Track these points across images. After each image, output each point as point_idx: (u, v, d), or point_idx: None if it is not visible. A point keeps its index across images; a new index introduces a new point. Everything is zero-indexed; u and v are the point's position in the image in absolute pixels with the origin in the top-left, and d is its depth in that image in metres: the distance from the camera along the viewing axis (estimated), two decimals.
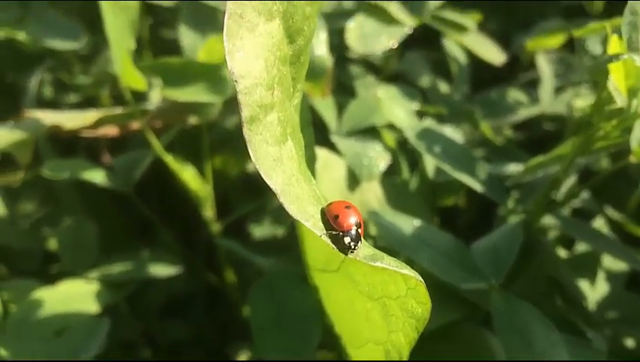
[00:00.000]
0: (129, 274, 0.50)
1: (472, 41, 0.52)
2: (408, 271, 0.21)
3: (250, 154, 0.19)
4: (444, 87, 0.60)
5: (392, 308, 0.23)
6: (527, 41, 0.61)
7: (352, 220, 0.21)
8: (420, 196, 0.45)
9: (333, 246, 0.21)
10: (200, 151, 0.50)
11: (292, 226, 0.53)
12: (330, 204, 0.21)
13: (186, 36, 0.49)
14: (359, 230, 0.21)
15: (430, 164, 0.46)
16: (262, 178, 0.54)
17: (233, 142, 0.57)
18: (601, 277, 0.45)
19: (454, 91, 0.57)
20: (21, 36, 0.55)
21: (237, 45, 0.19)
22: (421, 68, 0.60)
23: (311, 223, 0.19)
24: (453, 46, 0.57)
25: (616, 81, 0.32)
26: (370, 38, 0.48)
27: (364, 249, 0.21)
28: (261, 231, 0.54)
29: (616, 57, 0.29)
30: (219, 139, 0.56)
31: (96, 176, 0.48)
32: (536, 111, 0.58)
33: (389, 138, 0.47)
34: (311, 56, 0.44)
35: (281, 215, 0.55)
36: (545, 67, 0.61)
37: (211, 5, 0.49)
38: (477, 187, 0.42)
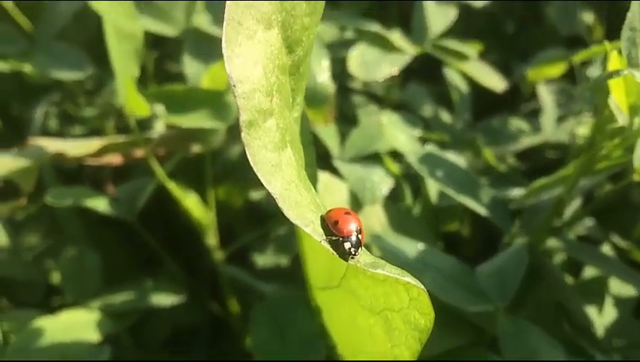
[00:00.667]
0: (131, 303, 0.50)
1: (473, 69, 0.53)
2: (410, 279, 0.21)
3: (249, 158, 0.19)
4: (446, 116, 0.60)
5: (394, 321, 0.23)
6: (528, 71, 0.62)
7: (352, 226, 0.21)
8: (423, 221, 0.45)
9: (334, 251, 0.20)
10: (203, 180, 0.50)
11: (295, 255, 0.53)
12: (330, 210, 0.21)
13: (190, 65, 0.49)
14: (359, 236, 0.21)
15: (433, 188, 0.46)
16: (265, 206, 0.54)
17: (236, 173, 0.57)
18: (608, 302, 0.45)
19: (456, 119, 0.57)
20: (27, 68, 0.55)
21: (235, 52, 0.19)
22: (423, 98, 0.61)
23: (310, 229, 0.19)
24: (454, 75, 0.57)
25: (617, 99, 0.32)
26: (372, 65, 0.49)
27: (365, 256, 0.21)
28: (264, 259, 0.54)
29: (616, 73, 0.29)
30: (222, 169, 0.57)
31: (100, 204, 0.48)
32: (538, 139, 0.58)
33: (392, 165, 0.47)
34: (313, 83, 0.45)
35: (284, 244, 0.55)
36: (546, 96, 0.62)
37: (215, 35, 0.50)
38: (481, 210, 0.42)
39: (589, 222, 0.50)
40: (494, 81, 0.53)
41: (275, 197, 0.18)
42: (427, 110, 0.60)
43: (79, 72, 0.52)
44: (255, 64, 0.19)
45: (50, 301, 0.57)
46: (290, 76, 0.22)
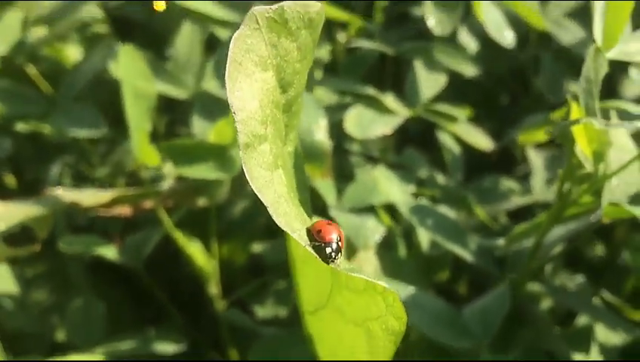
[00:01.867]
0: (134, 351, 0.52)
1: (463, 130, 0.56)
2: (384, 283, 0.23)
3: (246, 174, 0.22)
4: (440, 178, 0.63)
5: (374, 329, 0.25)
6: (519, 136, 0.65)
7: (333, 235, 0.24)
8: (416, 269, 0.48)
9: (317, 255, 0.23)
10: (207, 232, 0.53)
11: (293, 306, 0.55)
12: (315, 222, 0.24)
13: (198, 124, 0.53)
14: (339, 243, 0.24)
15: (424, 238, 0.48)
16: (266, 260, 0.56)
17: (240, 230, 0.60)
18: (594, 350, 0.46)
19: (449, 179, 0.60)
20: (46, 129, 0.60)
21: (236, 86, 0.22)
22: (417, 160, 0.64)
23: (297, 235, 0.22)
24: (446, 137, 0.61)
25: (582, 146, 0.35)
26: (367, 125, 0.52)
27: (344, 263, 0.24)
28: (264, 311, 0.56)
29: (576, 122, 0.33)
30: (226, 226, 0.59)
31: (108, 252, 0.51)
32: (529, 199, 0.61)
33: (386, 217, 0.50)
34: (311, 140, 0.48)
35: (283, 296, 0.57)
36: (536, 160, 0.65)
37: (222, 98, 0.54)
38: (468, 257, 0.44)
39: (579, 279, 0.53)
40: (483, 142, 0.56)
41: (267, 206, 0.21)
42: (422, 172, 0.63)
43: (95, 130, 0.56)
44: (252, 98, 0.23)
45: (55, 355, 0.58)
46: (284, 113, 0.25)
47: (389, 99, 0.55)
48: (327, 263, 0.23)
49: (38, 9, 0.62)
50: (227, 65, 0.22)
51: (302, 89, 0.26)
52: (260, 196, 0.21)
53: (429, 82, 0.58)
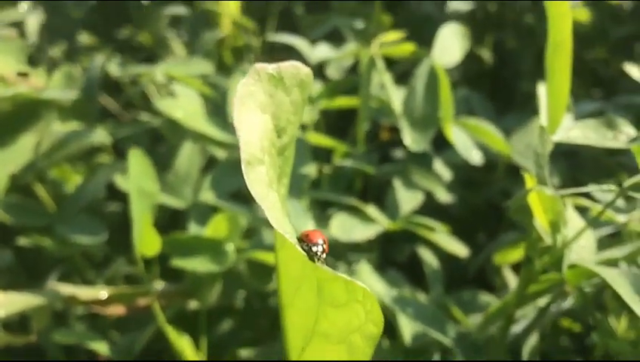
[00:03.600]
0: None
1: (439, 239, 0.60)
2: (362, 285, 0.26)
3: (247, 185, 0.26)
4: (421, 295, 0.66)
5: (355, 340, 0.28)
6: (495, 256, 0.69)
7: (318, 238, 0.27)
8: (398, 357, 0.49)
9: (305, 254, 0.26)
10: (197, 332, 0.55)
11: None
12: (303, 231, 0.28)
13: (194, 228, 0.57)
14: (324, 246, 0.27)
15: (406, 327, 0.51)
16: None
17: (229, 337, 0.61)
18: None
19: (430, 291, 0.64)
20: (47, 243, 0.63)
21: (240, 119, 0.27)
22: (399, 280, 0.68)
23: (288, 236, 0.25)
24: (426, 253, 0.65)
25: (539, 217, 0.39)
26: (351, 229, 0.57)
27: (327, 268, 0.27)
28: None
29: (529, 191, 0.37)
30: (217, 336, 0.61)
31: (101, 347, 0.52)
32: None
33: None
34: None
35: None
36: (510, 277, 0.69)
37: (219, 206, 0.59)
38: (447, 342, 0.46)
39: None
40: (458, 249, 0.60)
41: (264, 209, 0.25)
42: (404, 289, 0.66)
43: (96, 236, 0.59)
44: (254, 128, 0.27)
45: None
46: (278, 155, 0.30)
47: (371, 210, 0.60)
48: (314, 261, 0.26)
49: (52, 136, 0.68)
50: (235, 101, 0.27)
51: (293, 139, 0.31)
52: (258, 201, 0.25)
53: (407, 198, 0.63)
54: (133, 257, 0.71)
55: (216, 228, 0.52)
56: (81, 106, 0.72)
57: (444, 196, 0.69)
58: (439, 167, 0.71)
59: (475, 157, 0.62)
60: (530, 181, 0.38)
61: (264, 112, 0.29)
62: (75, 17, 0.91)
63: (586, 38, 0.91)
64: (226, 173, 0.61)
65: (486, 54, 0.98)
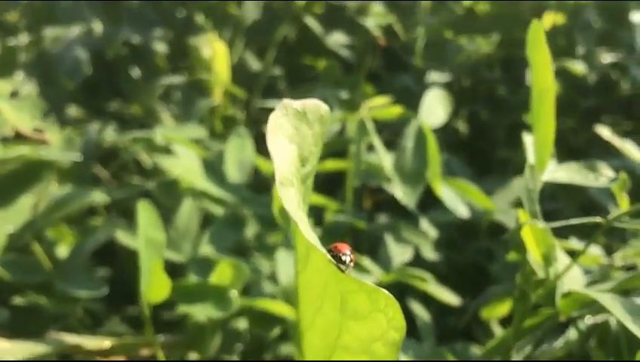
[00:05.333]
0: None
1: (432, 289, 0.63)
2: (385, 292, 0.28)
3: (282, 203, 0.28)
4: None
5: (377, 349, 0.29)
6: (482, 310, 0.72)
7: (346, 249, 0.30)
8: None
9: (334, 262, 0.29)
10: None
11: None
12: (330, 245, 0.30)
13: (193, 279, 0.59)
14: (352, 255, 0.30)
15: None
16: None
17: None
18: None
19: (422, 342, 0.65)
20: (43, 301, 0.64)
21: (273, 146, 0.30)
22: None
23: (313, 241, 0.28)
24: (417, 307, 0.67)
25: (532, 251, 0.42)
26: None
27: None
28: None
29: (522, 225, 0.40)
30: None
31: None
32: None
33: None
34: None
35: None
36: (498, 331, 0.71)
37: (216, 260, 0.60)
38: None
39: None
40: (450, 298, 0.62)
41: (297, 222, 0.28)
42: None
43: (97, 290, 0.60)
44: (284, 156, 0.30)
45: None
46: (302, 183, 0.33)
47: (366, 262, 0.62)
48: (343, 271, 0.29)
49: (50, 197, 0.70)
50: (267, 130, 0.30)
51: (314, 170, 0.34)
52: (293, 216, 0.28)
53: (398, 252, 0.66)
54: (126, 315, 0.72)
55: (220, 275, 0.53)
56: (77, 169, 0.75)
57: (430, 254, 0.71)
58: (425, 225, 0.74)
59: (463, 212, 0.65)
60: (523, 216, 0.41)
61: (291, 142, 0.32)
62: (68, 89, 0.94)
63: (556, 109, 0.97)
64: (224, 228, 0.63)
65: (462, 125, 1.04)
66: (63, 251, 0.70)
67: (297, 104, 0.33)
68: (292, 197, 0.29)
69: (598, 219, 0.40)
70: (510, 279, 0.80)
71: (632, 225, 0.39)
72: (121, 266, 0.78)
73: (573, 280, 0.43)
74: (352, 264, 0.30)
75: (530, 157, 0.42)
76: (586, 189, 0.73)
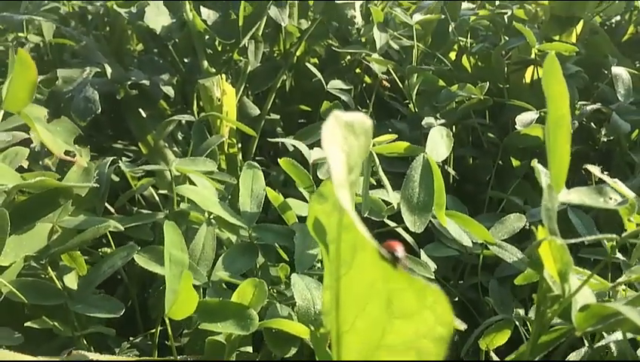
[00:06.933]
0: None
1: None
2: (435, 287, 0.31)
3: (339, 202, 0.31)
4: None
5: (424, 346, 0.32)
6: (480, 341, 0.74)
7: (398, 245, 0.33)
8: None
9: (387, 255, 0.31)
10: None
11: None
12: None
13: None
14: (404, 253, 0.33)
15: None
16: None
17: None
18: None
19: None
20: (57, 325, 0.65)
21: (329, 152, 0.33)
22: None
23: (366, 236, 0.31)
24: None
25: (549, 267, 0.45)
26: None
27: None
28: None
29: (541, 241, 0.44)
30: None
31: None
32: None
33: None
34: None
35: None
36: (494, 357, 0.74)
37: (232, 282, 0.63)
38: None
39: None
40: (457, 323, 0.65)
41: (353, 220, 0.31)
42: None
43: (115, 313, 0.61)
44: (338, 162, 0.34)
45: None
46: (350, 188, 0.36)
47: None
48: (395, 266, 0.31)
49: (67, 222, 0.72)
50: (322, 137, 0.34)
51: (358, 178, 0.38)
52: (348, 214, 0.31)
53: None
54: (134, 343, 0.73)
55: (242, 294, 0.56)
56: (91, 199, 0.77)
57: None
58: (424, 257, 0.77)
59: (467, 242, 0.69)
60: (542, 232, 0.44)
61: (341, 151, 0.35)
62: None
63: (539, 154, 1.03)
64: (238, 254, 0.66)
65: (451, 170, 1.09)
66: (73, 277, 0.72)
67: (346, 116, 0.36)
68: (347, 198, 0.33)
69: (613, 236, 0.43)
70: (507, 311, 0.83)
71: None
72: (125, 297, 0.80)
73: (585, 297, 0.46)
74: (405, 261, 0.32)
75: (544, 181, 0.46)
76: None
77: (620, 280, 0.51)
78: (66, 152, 0.68)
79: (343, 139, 0.36)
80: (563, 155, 0.45)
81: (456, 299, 0.86)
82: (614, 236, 0.43)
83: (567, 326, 0.47)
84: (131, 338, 0.73)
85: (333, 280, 0.39)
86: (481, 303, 0.86)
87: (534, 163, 0.50)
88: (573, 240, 0.44)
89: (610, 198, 0.47)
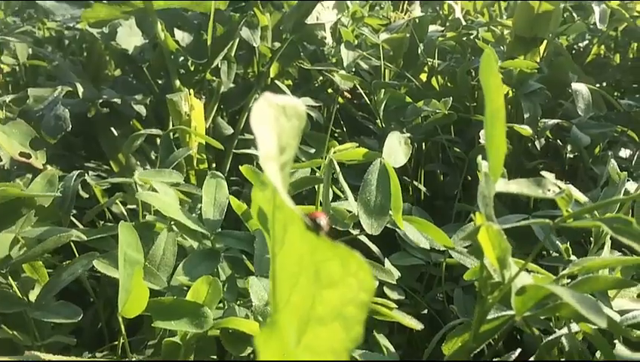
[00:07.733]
0: None
1: (397, 315, 0.66)
2: (357, 254, 0.32)
3: (266, 175, 0.33)
4: None
5: (348, 312, 0.33)
6: (444, 345, 0.75)
7: (322, 215, 0.34)
8: None
9: (310, 225, 0.32)
10: None
11: None
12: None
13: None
14: (327, 220, 0.34)
15: None
16: None
17: None
18: None
19: None
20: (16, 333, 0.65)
21: (257, 127, 0.35)
22: None
23: (292, 208, 0.32)
24: (382, 338, 0.70)
25: (488, 255, 0.47)
26: None
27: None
28: None
29: (479, 227, 0.45)
30: None
31: None
32: None
33: None
34: None
35: None
36: None
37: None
38: None
39: None
40: (412, 322, 0.66)
41: (279, 192, 0.32)
42: None
43: (72, 318, 0.62)
44: (267, 136, 0.35)
45: None
46: (281, 170, 0.37)
47: None
48: (317, 233, 0.32)
49: (29, 232, 0.72)
50: (252, 117, 0.35)
51: (290, 161, 0.39)
52: (277, 186, 0.32)
53: None
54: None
55: (196, 292, 0.56)
56: (57, 212, 0.77)
57: (394, 295, 0.75)
58: (388, 265, 0.78)
59: (425, 244, 0.70)
60: (480, 218, 0.46)
61: (272, 130, 0.36)
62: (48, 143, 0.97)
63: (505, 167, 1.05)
64: (200, 260, 0.66)
65: (421, 187, 1.10)
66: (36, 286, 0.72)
67: (278, 98, 0.38)
68: (275, 170, 0.34)
69: (547, 221, 0.45)
70: (471, 316, 0.84)
71: (577, 224, 0.45)
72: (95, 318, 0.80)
73: (524, 283, 0.47)
74: (327, 228, 0.34)
75: (483, 170, 0.48)
76: None
77: (563, 272, 0.52)
78: (21, 153, 0.69)
79: (274, 120, 0.37)
80: (500, 146, 0.46)
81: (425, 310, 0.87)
82: (548, 221, 0.45)
83: (509, 314, 0.48)
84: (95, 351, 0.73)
85: (272, 256, 0.40)
86: (448, 312, 0.87)
87: (479, 159, 0.51)
88: (508, 225, 0.45)
89: (549, 190, 0.48)
